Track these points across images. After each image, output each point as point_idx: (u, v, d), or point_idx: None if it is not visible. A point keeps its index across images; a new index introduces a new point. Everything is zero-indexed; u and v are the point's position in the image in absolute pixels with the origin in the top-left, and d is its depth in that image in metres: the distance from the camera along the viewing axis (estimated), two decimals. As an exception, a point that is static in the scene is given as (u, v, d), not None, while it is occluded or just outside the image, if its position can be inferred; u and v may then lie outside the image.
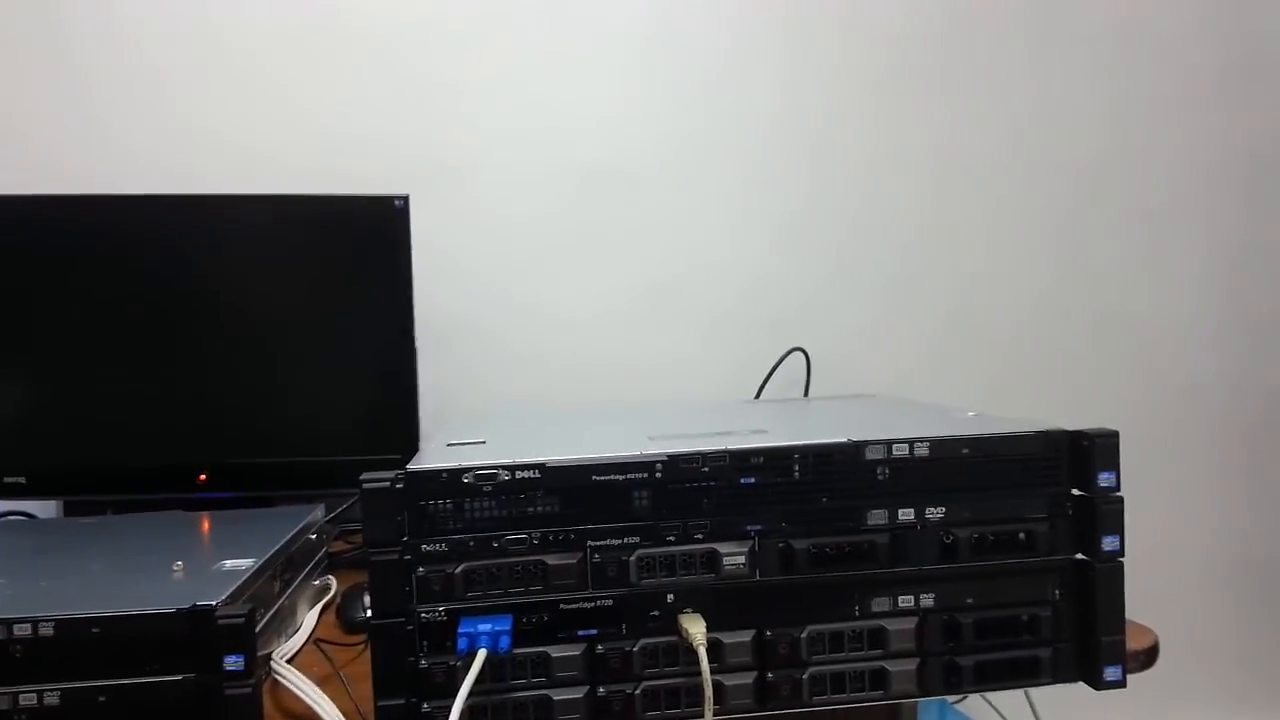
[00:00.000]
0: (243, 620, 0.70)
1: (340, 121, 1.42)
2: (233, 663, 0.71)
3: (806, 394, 1.49)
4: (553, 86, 1.48)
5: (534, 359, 1.48)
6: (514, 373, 1.47)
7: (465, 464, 0.70)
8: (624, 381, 1.50)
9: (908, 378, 1.55)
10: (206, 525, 1.03)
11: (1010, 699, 1.28)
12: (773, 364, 1.49)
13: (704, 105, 1.52)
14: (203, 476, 1.20)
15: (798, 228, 1.55)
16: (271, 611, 0.85)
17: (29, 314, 1.19)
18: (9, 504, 1.24)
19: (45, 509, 1.28)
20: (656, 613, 0.72)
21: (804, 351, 1.50)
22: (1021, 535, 0.75)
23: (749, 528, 0.73)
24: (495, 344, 1.47)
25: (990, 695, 1.30)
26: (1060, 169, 1.60)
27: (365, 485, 0.68)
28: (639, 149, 1.50)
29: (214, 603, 0.71)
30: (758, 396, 1.47)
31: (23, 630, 0.70)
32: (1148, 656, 0.84)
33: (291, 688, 0.77)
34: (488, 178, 1.46)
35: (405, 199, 1.19)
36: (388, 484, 0.68)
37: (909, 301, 1.58)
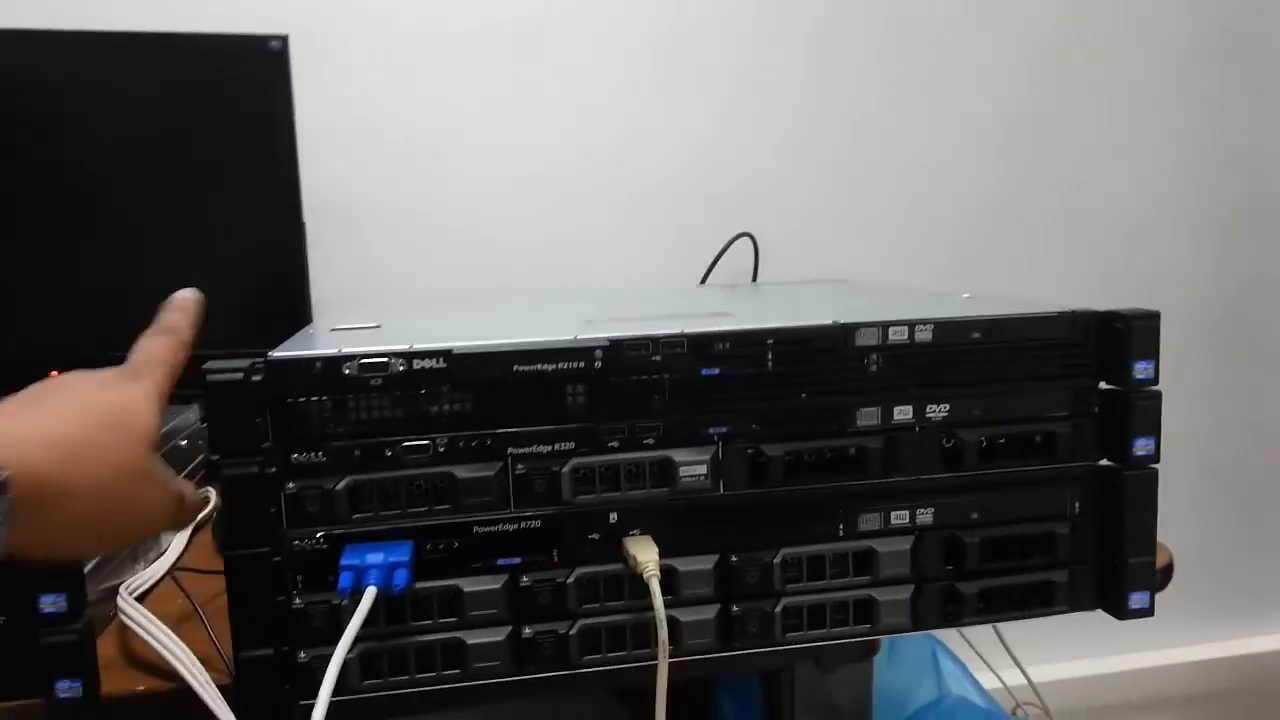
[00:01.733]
0: (61, 549, 0.54)
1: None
2: (50, 603, 0.55)
3: (755, 281, 1.34)
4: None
5: (441, 239, 1.29)
6: (416, 254, 1.28)
7: (347, 351, 0.54)
8: (542, 266, 1.33)
9: (860, 268, 1.41)
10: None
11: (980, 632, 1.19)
12: (716, 250, 1.33)
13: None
14: (54, 373, 1.01)
15: (739, 98, 1.38)
16: (120, 534, 0.69)
17: None
18: None
19: None
20: (596, 536, 0.58)
21: (751, 237, 1.35)
22: (1038, 437, 0.62)
23: (711, 430, 0.58)
24: (395, 221, 1.27)
25: (966, 631, 1.21)
26: (1022, 41, 1.45)
27: (210, 377, 0.52)
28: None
29: (23, 527, 0.55)
30: (703, 283, 1.32)
31: None
32: (1164, 576, 0.73)
33: (137, 629, 0.61)
34: (387, 30, 1.25)
35: (284, 40, 0.99)
36: (240, 376, 0.52)
37: (860, 186, 1.43)
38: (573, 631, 0.57)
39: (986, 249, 1.49)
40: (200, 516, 0.86)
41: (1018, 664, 1.25)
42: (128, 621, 0.63)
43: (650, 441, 0.58)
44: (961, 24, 1.43)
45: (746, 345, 0.58)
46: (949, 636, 1.22)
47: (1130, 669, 1.59)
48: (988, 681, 1.24)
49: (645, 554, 0.56)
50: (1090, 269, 1.52)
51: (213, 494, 0.90)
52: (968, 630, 1.24)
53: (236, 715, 0.56)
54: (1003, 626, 1.16)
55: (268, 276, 1.04)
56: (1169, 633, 1.63)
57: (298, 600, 0.54)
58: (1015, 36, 1.45)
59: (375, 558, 0.53)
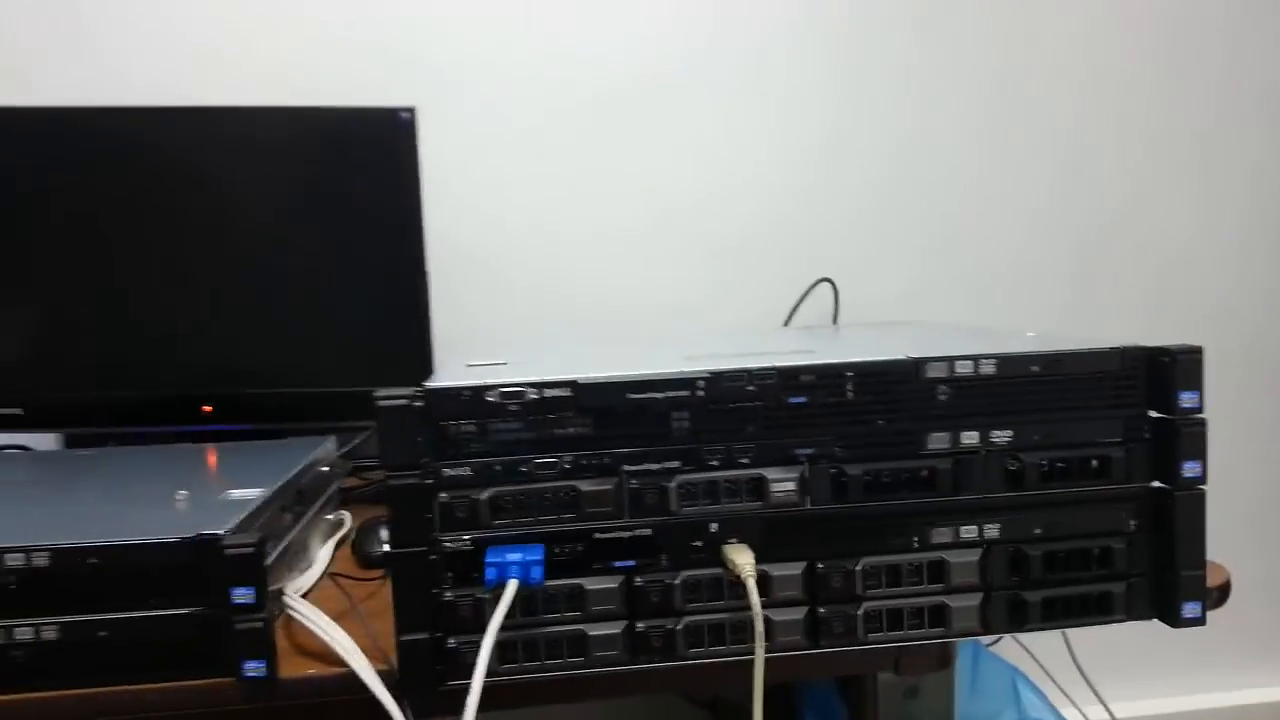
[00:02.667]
0: (252, 550, 0.65)
1: (341, 29, 1.33)
2: (242, 595, 0.66)
3: (835, 323, 1.42)
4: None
5: (541, 289, 1.41)
6: (520, 300, 1.40)
7: (490, 381, 0.64)
8: (639, 313, 1.44)
9: (943, 316, 1.48)
10: (212, 457, 0.98)
11: (1047, 641, 1.23)
12: (798, 295, 1.42)
13: (726, 10, 1.42)
14: (207, 408, 1.14)
15: (821, 152, 1.47)
16: (283, 544, 0.80)
17: (26, 236, 1.13)
18: (6, 437, 1.18)
19: (44, 443, 1.22)
20: (699, 543, 0.66)
21: (831, 282, 1.44)
22: (1094, 461, 0.69)
23: (799, 452, 0.67)
24: (500, 270, 1.39)
25: (1027, 638, 1.25)
26: (1113, 91, 1.52)
27: (381, 403, 0.62)
28: (655, 62, 1.42)
29: (221, 531, 0.66)
30: (786, 325, 1.41)
31: (15, 560, 0.65)
32: (1220, 594, 0.78)
33: (306, 622, 0.71)
34: (493, 91, 1.38)
35: (412, 111, 1.12)
36: (405, 401, 0.62)
37: (947, 236, 1.51)
38: (679, 627, 0.66)
39: (1074, 298, 1.55)
40: (340, 535, 0.98)
41: (1097, 695, 1.29)
42: (296, 616, 0.73)
43: (745, 461, 0.66)
44: (1057, 76, 1.50)
45: (829, 377, 0.67)
46: (1031, 669, 1.26)
47: (1208, 708, 1.60)
48: (1070, 715, 1.27)
49: (742, 559, 0.64)
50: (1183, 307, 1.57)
51: (348, 516, 1.02)
52: (1048, 663, 1.29)
53: (394, 695, 0.65)
54: (1084, 661, 1.21)
55: (395, 321, 1.16)
56: (1254, 673, 1.63)
57: (448, 594, 0.64)
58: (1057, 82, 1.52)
59: (515, 556, 0.62)
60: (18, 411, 1.12)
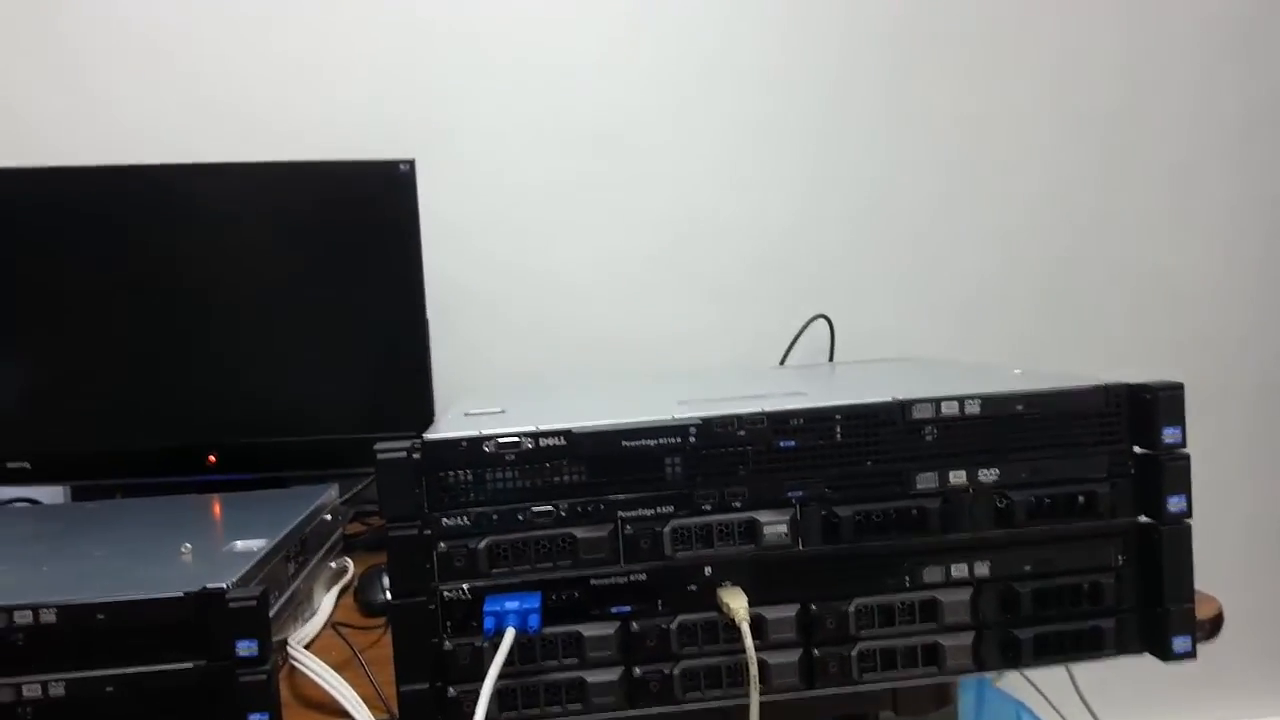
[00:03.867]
0: (255, 602, 0.66)
1: (341, 84, 1.37)
2: (246, 648, 0.67)
3: (831, 360, 1.44)
4: (551, 45, 1.42)
5: (540, 329, 1.44)
6: (520, 343, 1.43)
7: (486, 432, 0.65)
8: (635, 352, 1.46)
9: (933, 344, 1.50)
10: (216, 508, 0.99)
11: (1050, 672, 1.23)
12: (793, 331, 1.44)
13: (710, 58, 1.46)
14: (212, 458, 1.16)
15: (812, 190, 1.50)
16: (286, 595, 0.82)
17: (31, 290, 1.15)
18: (13, 491, 1.20)
19: (51, 495, 1.24)
20: (694, 587, 0.68)
21: (827, 318, 1.45)
22: (1081, 497, 0.70)
23: (790, 494, 0.68)
24: (499, 314, 1.42)
25: (1029, 672, 1.25)
26: (1085, 123, 1.54)
27: (380, 455, 0.64)
28: (643, 107, 1.45)
29: (224, 585, 0.67)
30: (782, 363, 1.43)
31: (24, 618, 0.66)
32: (1212, 626, 0.79)
33: (309, 673, 0.73)
34: (486, 140, 1.41)
35: (411, 163, 1.15)
36: (404, 454, 0.64)
37: (931, 266, 1.53)
38: (676, 671, 0.67)
39: (1055, 324, 1.56)
40: (343, 582, 0.99)
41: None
42: (299, 666, 0.74)
43: (738, 505, 0.68)
44: (1032, 109, 1.53)
45: (817, 420, 0.68)
46: (1035, 702, 1.26)
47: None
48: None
49: (736, 602, 0.65)
50: (1162, 336, 1.58)
51: (350, 563, 1.03)
52: (1052, 694, 1.29)
53: (395, 744, 0.66)
54: (1087, 692, 1.21)
55: (396, 367, 1.18)
56: (1258, 700, 1.63)
57: (448, 643, 0.65)
58: (1082, 118, 1.54)
59: (512, 604, 0.63)
60: (25, 465, 1.14)
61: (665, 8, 1.44)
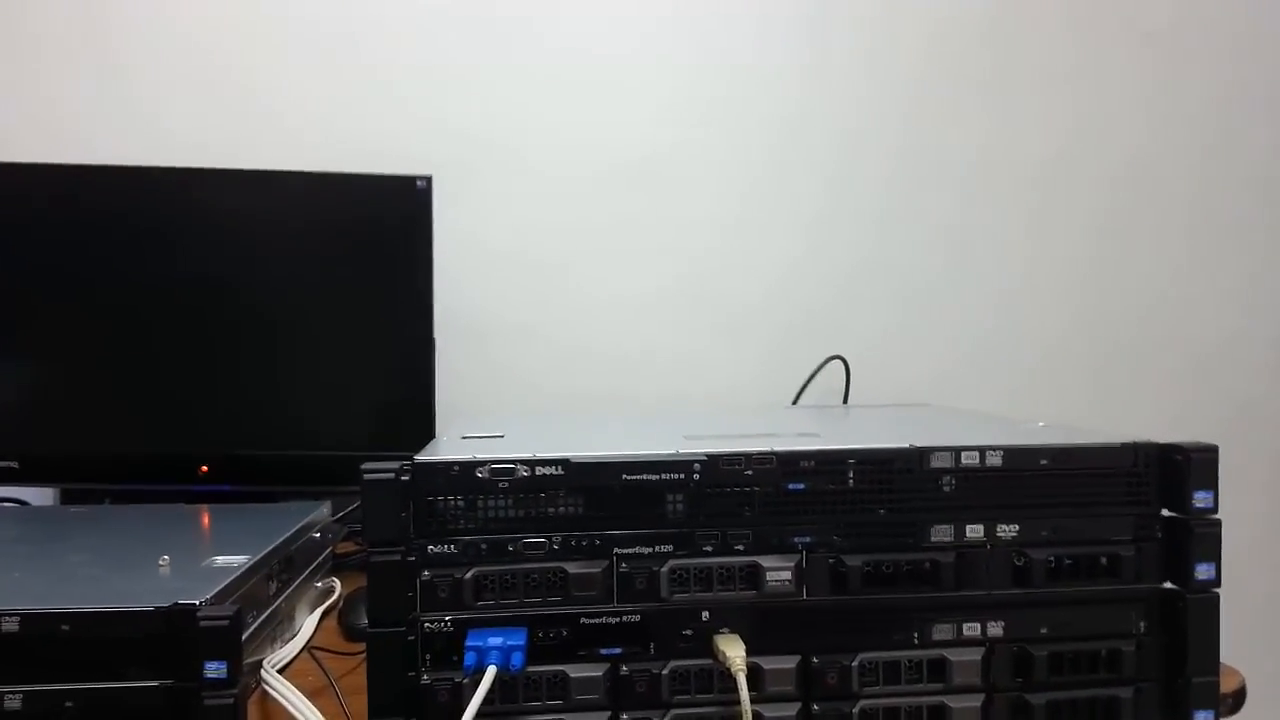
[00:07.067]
0: (227, 622, 0.62)
1: (368, 103, 1.35)
2: (214, 669, 0.63)
3: (845, 402, 1.40)
4: (582, 79, 1.41)
5: (554, 356, 1.41)
6: (533, 370, 1.39)
7: (480, 456, 0.62)
8: (650, 383, 1.43)
9: (944, 391, 1.46)
10: (204, 519, 0.96)
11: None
12: (808, 370, 1.40)
13: (732, 98, 1.44)
14: (204, 468, 1.13)
15: (828, 228, 1.47)
16: (265, 614, 0.78)
17: (29, 290, 1.13)
18: (1, 490, 1.17)
19: (41, 497, 1.21)
20: (689, 632, 0.64)
21: (843, 359, 1.42)
22: (1104, 559, 0.66)
23: (796, 540, 0.65)
24: (515, 339, 1.39)
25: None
26: (1101, 175, 1.52)
27: (366, 475, 0.61)
28: (666, 141, 1.43)
29: (197, 601, 0.64)
30: (795, 403, 1.39)
31: (-14, 624, 0.63)
32: (1235, 700, 0.75)
33: (281, 699, 0.69)
34: (513, 166, 1.39)
35: (428, 180, 1.12)
36: (391, 475, 0.61)
37: (944, 310, 1.50)
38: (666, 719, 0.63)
39: (1071, 373, 1.52)
40: (328, 604, 0.95)
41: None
42: (271, 692, 0.71)
43: (740, 548, 0.64)
44: (1039, 158, 1.50)
45: (829, 464, 0.65)
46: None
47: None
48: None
49: (734, 650, 0.62)
50: (1186, 398, 1.54)
51: (337, 584, 0.99)
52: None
53: (365, 780, 0.62)
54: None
55: (399, 387, 1.15)
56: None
57: (425, 677, 0.62)
58: (1099, 170, 1.52)
59: (495, 640, 0.60)
60: (13, 465, 1.11)
61: (695, 33, 1.43)
